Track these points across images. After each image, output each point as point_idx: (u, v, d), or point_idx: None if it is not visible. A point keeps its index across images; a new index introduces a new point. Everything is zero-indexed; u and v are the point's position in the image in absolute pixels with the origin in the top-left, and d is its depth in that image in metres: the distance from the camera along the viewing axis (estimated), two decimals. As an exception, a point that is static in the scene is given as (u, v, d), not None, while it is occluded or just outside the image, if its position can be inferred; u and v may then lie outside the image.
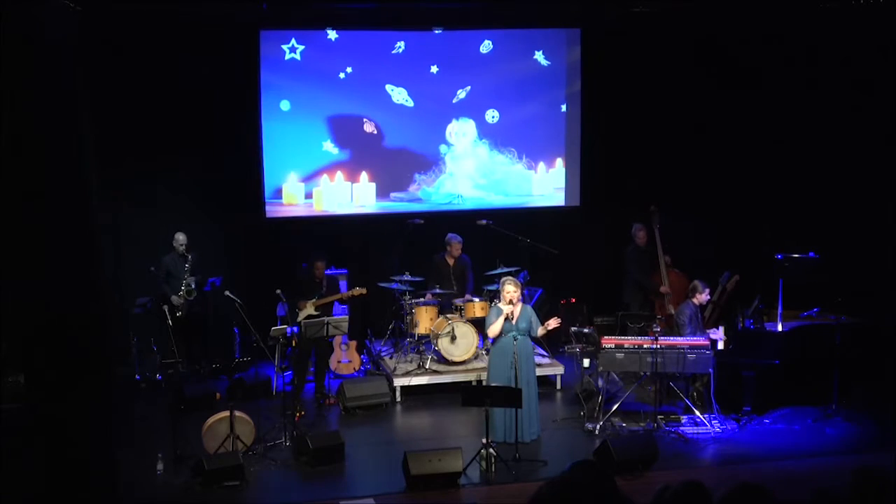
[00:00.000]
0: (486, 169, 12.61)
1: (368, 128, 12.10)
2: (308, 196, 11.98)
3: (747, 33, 11.31)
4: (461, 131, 12.48)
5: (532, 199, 12.73)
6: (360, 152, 12.22)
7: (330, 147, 11.98)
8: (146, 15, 10.09)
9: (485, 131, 12.49)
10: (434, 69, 12.12)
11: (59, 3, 8.06)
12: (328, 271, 11.15)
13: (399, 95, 12.13)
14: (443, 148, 12.35)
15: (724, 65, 11.70)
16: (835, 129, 10.90)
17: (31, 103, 7.18)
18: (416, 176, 12.44)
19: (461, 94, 12.30)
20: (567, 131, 12.66)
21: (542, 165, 12.70)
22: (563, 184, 12.77)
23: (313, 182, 11.98)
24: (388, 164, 12.37)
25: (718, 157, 11.90)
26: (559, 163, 12.72)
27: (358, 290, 10.34)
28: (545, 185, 12.76)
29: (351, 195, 12.21)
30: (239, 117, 11.37)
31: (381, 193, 12.34)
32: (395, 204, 12.45)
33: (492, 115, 12.42)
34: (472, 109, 12.40)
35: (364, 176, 12.22)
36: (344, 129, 12.05)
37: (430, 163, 12.46)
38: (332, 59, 11.81)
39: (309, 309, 9.98)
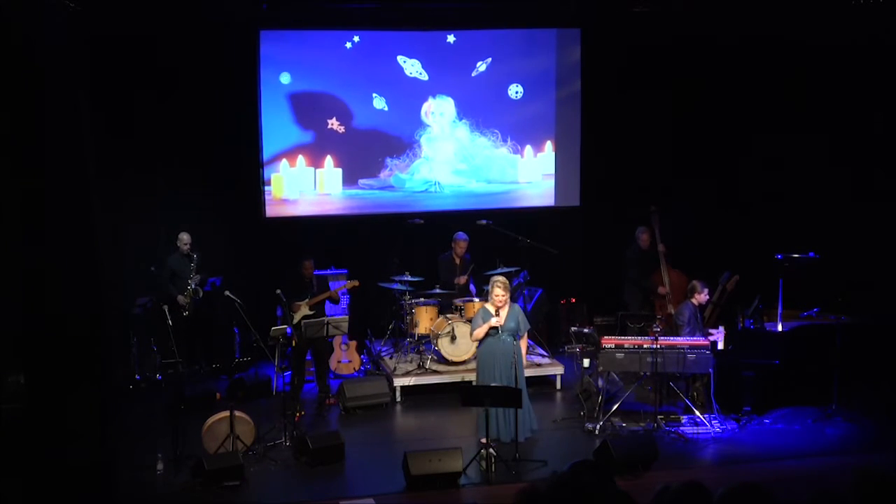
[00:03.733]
0: (467, 153, 11.73)
1: (378, 104, 11.43)
2: (266, 182, 11.34)
3: (747, 33, 11.30)
4: (438, 110, 11.52)
5: (518, 187, 12.00)
6: (325, 134, 11.34)
7: (335, 125, 11.34)
8: (145, 15, 10.08)
9: (465, 111, 11.61)
10: (451, 39, 11.55)
11: (58, 3, 8.06)
12: (328, 271, 11.15)
13: (412, 68, 11.43)
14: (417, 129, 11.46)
15: (724, 65, 11.70)
16: (835, 129, 10.90)
17: (31, 103, 7.19)
18: (388, 160, 11.56)
19: (481, 66, 11.67)
20: (557, 113, 11.94)
21: (528, 149, 11.95)
22: (552, 170, 12.01)
23: (272, 167, 11.34)
24: (357, 148, 11.47)
25: (718, 156, 11.90)
26: (548, 146, 12.00)
27: (351, 283, 10.30)
28: (532, 170, 11.97)
29: (314, 182, 11.41)
30: (239, 117, 11.35)
31: (349, 180, 11.51)
32: (364, 192, 11.53)
33: (515, 91, 11.78)
34: (493, 84, 11.64)
35: (329, 160, 11.39)
36: (351, 111, 11.36)
37: (403, 146, 11.58)
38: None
39: (304, 310, 9.97)
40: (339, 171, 11.51)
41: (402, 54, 11.52)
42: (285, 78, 11.27)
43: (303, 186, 11.50)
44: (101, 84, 9.75)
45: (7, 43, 6.94)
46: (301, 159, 11.45)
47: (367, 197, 11.65)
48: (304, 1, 11.27)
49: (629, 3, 11.24)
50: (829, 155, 10.93)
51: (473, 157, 11.83)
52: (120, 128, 10.48)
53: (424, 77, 11.50)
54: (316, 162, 11.49)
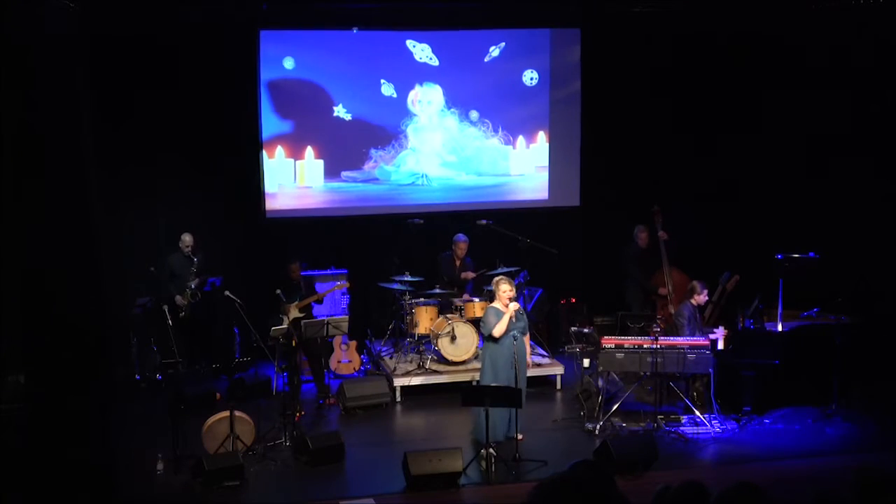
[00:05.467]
0: (456, 144, 11.21)
1: (387, 90, 11.02)
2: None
3: (747, 33, 11.31)
4: (425, 99, 10.98)
5: (510, 179, 11.59)
6: (304, 123, 10.84)
7: (341, 111, 10.90)
8: (146, 14, 10.09)
9: (454, 99, 11.07)
10: None
11: (58, 2, 8.05)
12: (328, 271, 11.14)
13: (422, 52, 10.98)
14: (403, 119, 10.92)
15: (724, 64, 11.70)
16: (835, 129, 10.90)
17: (31, 103, 7.19)
18: (372, 152, 11.05)
19: (494, 51, 11.27)
20: (552, 103, 11.56)
21: (521, 140, 11.53)
22: (545, 161, 11.61)
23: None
24: (339, 138, 10.91)
25: (718, 156, 11.89)
26: (541, 137, 11.60)
27: (341, 284, 10.25)
28: (525, 162, 11.53)
29: (294, 174, 10.94)
30: (240, 117, 11.32)
31: (331, 172, 11.00)
32: (348, 185, 11.02)
33: (530, 77, 11.42)
34: (507, 70, 11.24)
35: (309, 151, 10.90)
36: (358, 92, 10.88)
37: (388, 136, 11.07)
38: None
39: (294, 311, 9.96)
40: (321, 162, 11.03)
41: (412, 38, 11.14)
42: (289, 63, 10.91)
43: (282, 179, 11.06)
44: (101, 84, 9.74)
45: (7, 42, 6.94)
46: (280, 150, 11.02)
47: (350, 190, 11.17)
48: (304, 1, 11.25)
49: (629, 3, 11.23)
50: (830, 155, 10.93)
51: (463, 148, 11.37)
52: (120, 128, 10.47)
53: (435, 62, 11.09)
54: (296, 153, 11.01)
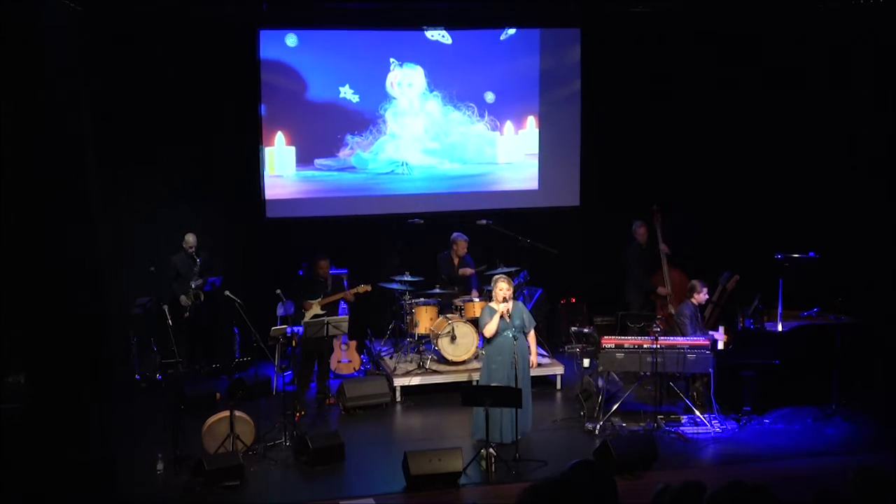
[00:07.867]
0: (439, 129, 10.64)
1: (396, 75, 10.60)
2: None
3: (747, 33, 11.31)
4: (406, 81, 10.40)
5: (497, 168, 11.02)
6: (275, 107, 10.25)
7: (348, 93, 10.40)
8: (145, 14, 10.09)
9: (437, 82, 10.49)
10: None
11: (59, 2, 8.06)
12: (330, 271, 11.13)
13: (434, 31, 10.55)
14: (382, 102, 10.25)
15: (724, 65, 11.70)
16: (835, 129, 10.90)
17: (31, 102, 7.21)
18: (348, 138, 10.46)
19: (511, 29, 10.85)
20: (542, 86, 11.11)
21: (509, 125, 11.01)
22: (535, 149, 11.08)
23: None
24: (312, 123, 10.37)
25: (718, 156, 11.90)
26: (530, 122, 11.09)
27: (363, 288, 10.24)
28: (513, 150, 11.00)
29: (264, 162, 10.49)
30: (240, 116, 11.31)
31: (303, 160, 10.43)
32: (322, 174, 10.43)
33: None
34: (522, 51, 10.83)
35: (280, 137, 10.35)
36: (367, 77, 10.38)
37: (365, 121, 10.46)
38: None
39: (315, 308, 9.95)
40: (293, 149, 10.49)
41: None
42: (291, 40, 10.46)
43: None
44: (100, 83, 9.75)
45: (8, 43, 6.96)
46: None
47: (324, 179, 10.60)
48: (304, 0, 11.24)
49: (629, 3, 11.23)
50: (830, 154, 10.93)
51: (447, 134, 10.78)
52: (120, 127, 10.47)
53: (447, 41, 10.64)
54: (265, 139, 10.52)
